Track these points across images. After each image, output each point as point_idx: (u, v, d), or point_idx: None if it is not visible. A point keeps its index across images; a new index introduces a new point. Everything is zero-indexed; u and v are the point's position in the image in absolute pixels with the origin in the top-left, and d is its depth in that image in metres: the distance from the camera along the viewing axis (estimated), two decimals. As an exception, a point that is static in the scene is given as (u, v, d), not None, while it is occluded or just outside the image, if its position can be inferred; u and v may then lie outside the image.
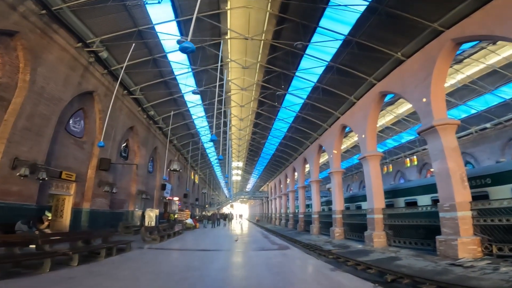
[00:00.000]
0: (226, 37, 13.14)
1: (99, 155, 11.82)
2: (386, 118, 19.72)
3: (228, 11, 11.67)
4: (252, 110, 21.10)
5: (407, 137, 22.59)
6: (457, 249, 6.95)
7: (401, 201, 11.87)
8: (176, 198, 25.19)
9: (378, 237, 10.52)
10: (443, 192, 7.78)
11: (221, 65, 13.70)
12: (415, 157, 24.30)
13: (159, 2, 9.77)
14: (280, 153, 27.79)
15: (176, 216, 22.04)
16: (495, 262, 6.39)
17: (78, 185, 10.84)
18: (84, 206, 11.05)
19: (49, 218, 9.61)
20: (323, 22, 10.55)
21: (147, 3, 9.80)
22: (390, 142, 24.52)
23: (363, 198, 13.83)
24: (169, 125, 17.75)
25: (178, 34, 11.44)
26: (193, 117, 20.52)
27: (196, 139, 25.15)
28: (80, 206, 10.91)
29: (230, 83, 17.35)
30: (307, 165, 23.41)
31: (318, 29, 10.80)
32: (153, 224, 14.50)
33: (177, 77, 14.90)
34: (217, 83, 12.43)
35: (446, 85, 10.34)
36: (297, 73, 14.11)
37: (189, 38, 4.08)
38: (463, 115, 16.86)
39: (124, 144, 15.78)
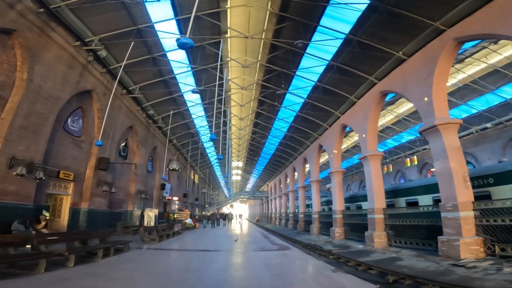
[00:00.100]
0: (226, 36, 13.05)
1: (98, 155, 11.73)
2: (386, 118, 19.64)
3: (228, 10, 11.58)
4: (252, 110, 21.02)
5: (407, 137, 22.52)
6: (460, 249, 6.88)
7: (402, 201, 11.79)
8: (175, 198, 25.09)
9: (379, 237, 10.44)
10: (445, 192, 7.70)
11: (221, 64, 13.62)
12: (415, 157, 24.24)
13: (158, 0, 9.68)
14: (280, 153, 27.71)
15: (175, 216, 21.95)
16: (498, 263, 6.31)
17: (76, 184, 10.75)
18: (82, 206, 10.96)
19: (47, 218, 9.53)
20: (324, 21, 10.47)
21: (146, 1, 9.71)
22: (391, 142, 24.44)
23: (364, 198, 13.75)
24: (169, 125, 17.65)
25: (178, 32, 11.34)
26: (193, 116, 20.43)
27: (195, 138, 25.07)
28: (78, 206, 10.81)
29: (230, 82, 17.26)
30: (307, 165, 23.34)
31: (319, 27, 10.72)
32: (152, 224, 14.40)
33: (176, 76, 14.81)
34: (217, 83, 12.37)
35: (447, 84, 10.26)
36: (297, 72, 14.03)
37: (187, 34, 4.00)
38: (464, 115, 16.78)
39: (123, 144, 15.69)
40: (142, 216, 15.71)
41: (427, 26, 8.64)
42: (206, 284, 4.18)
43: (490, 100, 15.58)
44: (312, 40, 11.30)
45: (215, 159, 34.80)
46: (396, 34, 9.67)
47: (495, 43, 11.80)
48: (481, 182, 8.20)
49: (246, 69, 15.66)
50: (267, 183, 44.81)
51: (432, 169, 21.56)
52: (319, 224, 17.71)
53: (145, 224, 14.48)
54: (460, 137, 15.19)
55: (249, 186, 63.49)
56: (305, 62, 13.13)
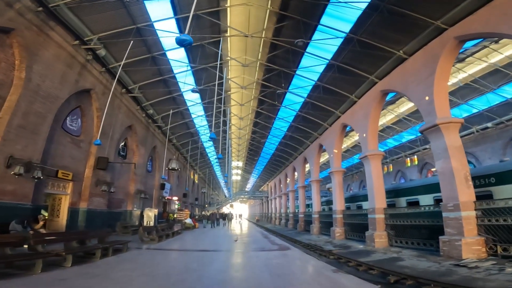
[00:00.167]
0: (226, 35, 12.99)
1: (97, 154, 11.67)
2: (386, 118, 19.59)
3: (228, 9, 11.52)
4: (252, 109, 20.96)
5: (407, 136, 22.46)
6: (461, 249, 6.82)
7: (402, 201, 11.74)
8: (175, 198, 25.04)
9: (379, 237, 10.38)
10: (447, 191, 7.64)
11: (220, 63, 13.56)
12: (415, 156, 24.18)
13: (157, -1, 9.62)
14: (280, 153, 27.65)
15: (175, 216, 21.89)
16: (500, 263, 6.26)
17: (75, 184, 10.69)
18: (81, 205, 10.90)
19: (46, 217, 9.47)
20: (324, 20, 10.42)
21: (145, 0, 9.65)
22: (391, 142, 24.39)
23: (364, 197, 13.70)
24: (168, 124, 17.59)
25: (177, 31, 11.28)
26: (193, 116, 20.37)
27: (195, 138, 25.01)
28: (77, 206, 10.75)
29: (229, 81, 17.20)
30: (307, 165, 23.28)
31: (319, 26, 10.66)
32: (152, 224, 14.34)
33: (176, 75, 14.74)
34: (216, 82, 12.31)
35: (447, 84, 10.21)
36: (297, 72, 13.97)
37: (186, 31, 3.93)
38: (465, 114, 16.74)
39: (123, 143, 15.62)
40: (141, 216, 15.65)
41: (428, 25, 8.58)
42: (205, 285, 4.11)
43: (491, 99, 15.53)
44: (312, 39, 11.24)
45: (215, 158, 34.75)
46: (396, 33, 9.61)
47: (496, 42, 11.75)
48: (483, 181, 8.15)
49: (246, 68, 15.59)
50: (267, 183, 44.76)
51: (432, 169, 21.51)
52: (319, 224, 17.65)
53: (145, 224, 14.42)
54: (460, 137, 15.11)
55: (249, 186, 63.45)
56: (305, 61, 13.07)
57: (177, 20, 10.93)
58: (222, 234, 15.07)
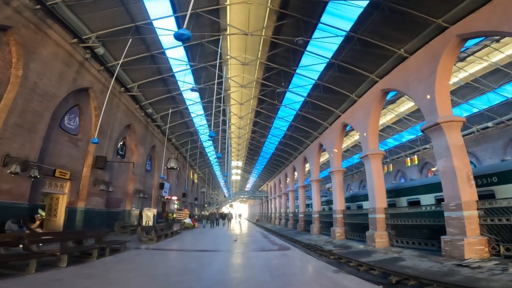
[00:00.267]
0: (226, 33, 12.90)
1: (95, 153, 11.56)
2: (387, 117, 19.52)
3: (228, 7, 11.42)
4: (252, 108, 20.87)
5: (408, 136, 22.40)
6: (464, 249, 6.74)
7: (403, 201, 11.67)
8: (174, 198, 24.93)
9: (380, 237, 10.30)
10: (449, 191, 7.56)
11: (220, 62, 13.46)
12: (416, 156, 24.12)
13: (156, -4, 9.52)
14: (280, 152, 27.57)
15: (174, 215, 21.78)
16: (503, 263, 6.18)
17: (72, 183, 10.57)
18: (79, 205, 10.78)
19: (43, 217, 9.36)
20: (325, 18, 10.33)
21: (144, -2, 9.56)
22: (391, 142, 24.33)
23: (365, 197, 13.62)
24: (167, 123, 17.49)
25: (177, 29, 11.18)
26: (192, 115, 20.27)
27: (195, 137, 24.91)
28: (74, 205, 10.64)
29: (229, 80, 17.10)
30: (307, 164, 23.20)
31: (319, 25, 10.58)
32: (151, 223, 14.24)
33: (175, 74, 14.64)
34: (216, 81, 12.21)
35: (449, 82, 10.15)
36: (297, 70, 13.88)
37: (185, 25, 3.84)
38: (465, 114, 16.67)
39: (121, 143, 15.51)
40: (140, 216, 15.53)
41: (430, 23, 8.51)
42: (204, 286, 4.02)
43: (491, 99, 15.48)
44: (312, 37, 11.16)
45: (214, 158, 34.65)
46: (397, 32, 9.54)
47: (497, 41, 11.69)
48: (485, 181, 8.08)
49: (245, 67, 15.51)
50: (267, 182, 44.68)
51: (432, 169, 21.45)
52: (319, 224, 17.57)
53: (144, 223, 14.31)
54: (461, 136, 14.93)
55: (248, 186, 63.34)
56: (305, 60, 12.99)
57: (176, 18, 10.83)
58: (222, 234, 14.97)
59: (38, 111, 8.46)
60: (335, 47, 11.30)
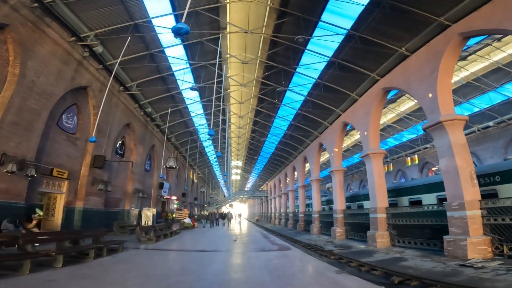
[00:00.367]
0: (226, 32, 12.80)
1: (93, 152, 11.45)
2: (387, 116, 19.44)
3: (228, 5, 11.32)
4: (252, 108, 20.77)
5: (408, 135, 22.31)
6: (467, 249, 6.66)
7: (404, 200, 11.58)
8: (174, 197, 24.82)
9: (381, 237, 10.21)
10: (451, 190, 7.47)
11: (220, 61, 13.36)
12: (416, 156, 24.03)
13: (155, -6, 9.42)
14: (280, 152, 27.47)
15: (174, 215, 21.68)
16: (507, 263, 6.10)
17: (70, 183, 10.46)
18: (77, 204, 10.68)
19: (40, 216, 9.25)
20: (325, 16, 10.23)
21: (143, -5, 9.46)
22: (391, 141, 24.25)
23: (365, 197, 13.54)
24: (167, 123, 17.38)
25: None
26: (192, 114, 20.16)
27: (194, 137, 24.80)
28: (72, 205, 10.53)
29: (229, 79, 17.00)
30: (307, 164, 23.11)
31: (320, 23, 10.49)
32: (150, 223, 14.14)
33: (175, 73, 14.54)
34: (215, 80, 12.10)
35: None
36: (297, 69, 13.79)
37: (183, 19, 3.74)
38: (466, 113, 16.58)
39: (120, 142, 15.41)
40: (139, 216, 15.43)
41: (431, 21, 8.42)
42: (203, 287, 3.93)
43: (492, 98, 15.40)
44: (313, 35, 11.06)
45: (214, 158, 34.54)
46: (399, 30, 9.45)
47: (499, 40, 11.61)
48: (488, 180, 7.99)
49: (245, 66, 15.41)
50: (267, 182, 44.60)
51: (433, 168, 21.36)
52: (320, 224, 17.48)
53: (143, 223, 14.21)
54: (462, 136, 14.83)
55: (248, 186, 63.23)
56: (305, 58, 12.90)
57: (176, 17, 10.72)
58: (221, 234, 14.87)
59: (35, 110, 8.36)
60: (335, 45, 11.21)
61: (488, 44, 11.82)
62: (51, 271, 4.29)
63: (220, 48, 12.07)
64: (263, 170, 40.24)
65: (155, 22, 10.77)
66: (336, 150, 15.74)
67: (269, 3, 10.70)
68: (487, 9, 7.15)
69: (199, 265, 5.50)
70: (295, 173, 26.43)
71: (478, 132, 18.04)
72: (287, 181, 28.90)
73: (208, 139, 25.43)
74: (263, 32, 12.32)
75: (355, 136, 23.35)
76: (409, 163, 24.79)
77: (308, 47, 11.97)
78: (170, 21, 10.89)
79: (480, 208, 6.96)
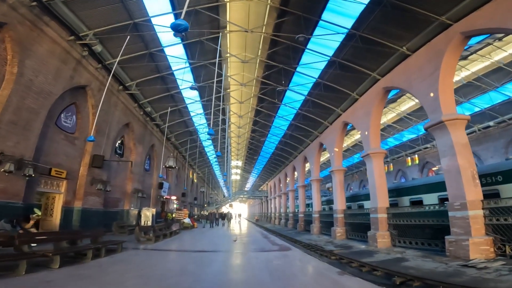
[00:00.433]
0: (225, 31, 12.73)
1: (92, 152, 11.37)
2: (387, 116, 19.37)
3: (228, 4, 11.26)
4: (252, 107, 20.70)
5: (408, 135, 22.26)
6: (469, 249, 6.60)
7: (405, 200, 11.52)
8: (174, 197, 24.74)
9: (382, 237, 10.15)
10: (453, 190, 7.41)
11: (219, 60, 13.29)
12: (416, 156, 23.97)
13: (154, -8, 9.35)
14: (280, 152, 27.41)
15: (173, 215, 21.60)
16: (509, 263, 6.04)
17: (69, 182, 10.38)
18: (76, 204, 10.60)
19: (39, 216, 9.18)
20: (326, 15, 10.17)
21: (142, -7, 9.39)
22: (391, 141, 24.18)
23: (366, 197, 13.47)
24: (166, 122, 17.31)
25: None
26: (191, 114, 20.09)
27: (194, 137, 24.72)
28: (71, 205, 10.45)
29: (229, 78, 16.93)
30: (307, 164, 23.04)
31: (320, 22, 10.42)
32: (149, 223, 14.07)
33: (174, 73, 14.47)
34: (215, 79, 12.02)
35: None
36: (298, 69, 13.72)
37: (182, 15, 3.67)
38: (467, 113, 16.50)
39: (120, 141, 15.33)
40: (139, 216, 15.36)
41: (432, 20, 8.37)
42: (202, 288, 3.86)
43: (493, 98, 15.34)
44: (313, 34, 10.99)
45: (214, 157, 34.46)
46: (400, 29, 9.40)
47: (500, 39, 11.55)
48: (489, 180, 7.93)
49: (245, 65, 15.33)
50: (267, 182, 44.53)
51: (433, 168, 21.31)
52: (320, 224, 17.41)
53: (142, 223, 14.14)
54: (463, 135, 14.73)
55: (248, 186, 63.16)
56: (306, 58, 12.83)
57: (175, 16, 10.64)
58: (221, 234, 14.80)
59: (33, 109, 8.29)
60: (336, 44, 11.15)
61: (489, 44, 11.76)
62: (47, 272, 4.23)
63: (220, 47, 12.00)
64: (263, 170, 40.16)
65: (154, 21, 10.69)
66: (337, 149, 15.67)
67: (269, 2, 10.64)
68: (489, 8, 7.10)
69: (199, 265, 5.43)
70: (295, 173, 26.37)
71: (479, 132, 17.99)
72: (287, 181, 28.83)
73: (208, 139, 25.34)
74: (263, 31, 12.26)
75: (355, 136, 23.29)
76: (409, 163, 24.73)
77: (309, 46, 11.91)
78: (170, 20, 10.80)
79: (482, 208, 6.90)
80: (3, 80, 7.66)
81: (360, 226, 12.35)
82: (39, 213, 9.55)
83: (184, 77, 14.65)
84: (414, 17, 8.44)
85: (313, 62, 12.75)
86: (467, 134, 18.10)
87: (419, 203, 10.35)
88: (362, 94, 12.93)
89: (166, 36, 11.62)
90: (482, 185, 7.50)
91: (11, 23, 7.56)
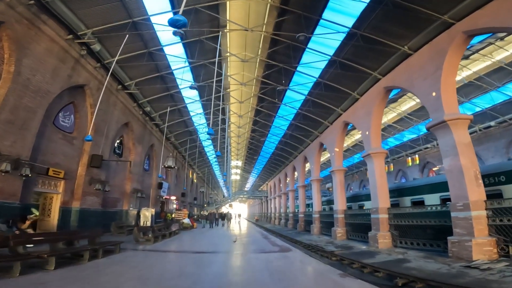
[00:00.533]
0: (225, 30, 12.64)
1: (91, 152, 11.26)
2: (388, 116, 19.29)
3: (228, 2, 11.17)
4: (252, 107, 20.61)
5: (409, 135, 22.18)
6: (472, 250, 6.51)
7: (407, 200, 11.43)
8: (173, 197, 24.63)
9: (383, 238, 10.06)
10: (456, 190, 7.32)
11: (219, 59, 13.20)
12: (417, 156, 23.89)
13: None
14: (280, 152, 27.32)
15: (173, 215, 21.49)
16: (513, 265, 5.94)
17: (67, 182, 10.27)
18: (74, 205, 10.48)
19: (37, 217, 9.07)
20: (326, 14, 10.09)
21: (141, -8, 9.29)
22: (392, 141, 24.11)
23: (366, 197, 13.38)
24: (166, 122, 17.21)
25: (177, 28, 10.89)
26: (191, 114, 19.99)
27: (194, 136, 24.62)
28: (69, 205, 10.33)
29: (229, 78, 16.84)
30: (308, 164, 22.94)
31: (321, 21, 10.33)
32: (148, 224, 13.95)
33: (174, 72, 14.37)
34: (214, 79, 11.93)
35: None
36: (298, 68, 13.63)
37: (180, 11, 3.58)
38: (468, 113, 16.41)
39: (119, 141, 15.22)
40: (138, 216, 15.25)
41: (434, 19, 8.29)
42: (201, 291, 3.76)
43: (494, 97, 15.26)
44: (314, 33, 10.90)
45: (214, 157, 34.36)
46: (401, 28, 9.31)
47: (502, 39, 11.48)
48: (492, 180, 7.85)
49: (245, 65, 15.24)
50: (267, 182, 44.43)
51: (434, 168, 21.23)
52: (320, 224, 17.32)
53: (141, 224, 14.03)
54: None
55: (248, 186, 63.06)
56: (306, 57, 12.75)
57: (175, 14, 10.54)
58: (221, 234, 14.70)
59: (30, 108, 8.18)
60: (337, 44, 11.06)
61: (491, 43, 11.68)
62: (42, 274, 4.13)
63: (220, 46, 11.90)
64: (263, 170, 40.07)
65: (153, 19, 10.60)
66: (337, 149, 15.59)
67: (269, 0, 10.55)
68: (492, 6, 7.02)
69: (198, 267, 5.34)
70: (295, 173, 26.27)
71: (480, 132, 17.91)
72: (287, 181, 28.73)
73: (207, 139, 25.24)
74: (263, 30, 12.16)
75: (356, 136, 23.20)
76: (410, 163, 24.64)
77: (309, 45, 11.82)
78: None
79: (486, 209, 6.82)
80: (0, 79, 7.56)
81: (360, 227, 12.26)
82: (37, 213, 9.45)
83: (183, 77, 14.55)
84: (416, 16, 8.36)
85: (313, 62, 12.66)
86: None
87: (421, 203, 10.26)
88: (363, 93, 12.84)
89: (165, 35, 11.51)
90: (485, 185, 7.40)
91: (9, 21, 7.48)
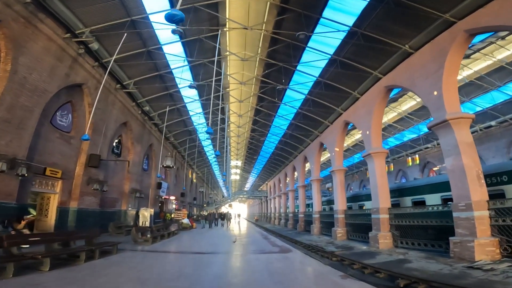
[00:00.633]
0: (225, 29, 12.54)
1: (89, 151, 11.16)
2: (388, 116, 19.22)
3: (227, 1, 11.07)
4: (251, 107, 20.52)
5: (409, 135, 22.12)
6: (474, 251, 6.43)
7: (407, 200, 11.35)
8: (172, 197, 24.52)
9: (384, 238, 9.98)
10: (458, 190, 7.24)
11: (219, 58, 13.10)
12: (417, 156, 23.83)
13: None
14: (279, 151, 27.23)
15: (172, 215, 21.38)
16: (516, 266, 5.86)
17: (64, 182, 10.16)
18: (71, 205, 10.37)
19: (34, 217, 8.97)
20: (327, 13, 10.01)
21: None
22: (392, 141, 24.04)
23: (367, 197, 13.31)
24: (165, 121, 17.11)
25: (174, 25, 10.80)
26: (190, 113, 19.88)
27: (193, 136, 24.52)
28: (66, 205, 10.22)
29: (228, 77, 16.74)
30: (308, 164, 22.86)
31: (321, 20, 10.26)
32: (147, 224, 13.84)
33: (173, 71, 14.27)
34: (214, 78, 11.83)
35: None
36: (298, 67, 13.54)
37: (178, 6, 3.49)
38: (469, 112, 16.38)
39: (117, 141, 15.11)
40: (137, 216, 15.14)
41: (436, 18, 8.21)
42: (199, 293, 3.67)
43: (495, 97, 15.20)
44: (314, 32, 10.82)
45: (213, 157, 34.26)
46: (402, 27, 9.23)
47: (503, 38, 11.41)
48: (494, 180, 7.77)
49: (245, 64, 15.15)
50: (266, 182, 44.35)
51: (434, 168, 21.17)
52: (320, 224, 17.24)
53: (140, 224, 13.91)
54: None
55: (248, 186, 62.97)
56: (306, 56, 12.66)
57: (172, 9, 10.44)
58: (220, 234, 14.61)
59: (27, 107, 8.08)
60: (337, 42, 10.98)
61: (492, 42, 11.61)
62: (36, 275, 4.03)
63: (219, 45, 11.81)
64: (262, 170, 39.98)
65: (152, 18, 10.50)
66: (337, 149, 15.51)
67: (269, -1, 10.46)
68: (494, 5, 6.95)
69: (196, 268, 5.25)
70: (295, 173, 26.19)
71: (480, 132, 17.85)
72: (287, 181, 28.65)
73: (207, 138, 25.15)
74: (263, 28, 12.07)
75: (356, 135, 23.13)
76: (410, 163, 24.58)
77: (309, 44, 11.73)
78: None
79: (488, 209, 6.74)
80: (-4, 77, 7.46)
81: (361, 227, 12.18)
82: (34, 214, 9.34)
83: (182, 76, 14.46)
84: (417, 14, 8.28)
85: (313, 61, 12.58)
86: (469, 133, 18.02)
87: (422, 203, 10.19)
88: (363, 93, 12.76)
89: (164, 34, 11.41)
90: (487, 185, 7.33)
91: (5, 20, 7.37)
